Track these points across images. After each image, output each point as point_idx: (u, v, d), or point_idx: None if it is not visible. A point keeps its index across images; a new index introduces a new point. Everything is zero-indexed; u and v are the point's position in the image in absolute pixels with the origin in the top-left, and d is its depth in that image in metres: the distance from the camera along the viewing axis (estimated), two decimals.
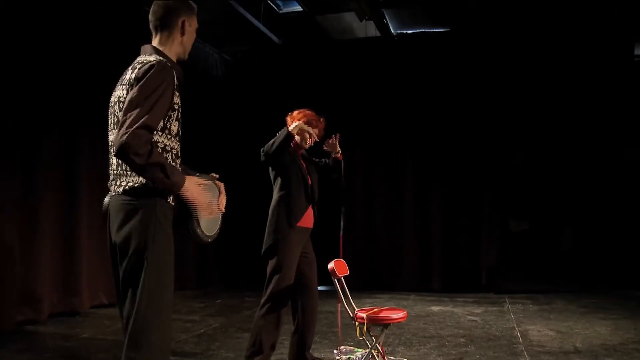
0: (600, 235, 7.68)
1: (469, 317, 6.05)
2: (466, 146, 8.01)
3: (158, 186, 2.17)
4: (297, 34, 8.26)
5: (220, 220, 2.54)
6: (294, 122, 3.84)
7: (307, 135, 3.88)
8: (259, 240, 3.87)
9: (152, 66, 2.19)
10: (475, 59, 8.00)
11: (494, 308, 6.53)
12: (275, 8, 7.58)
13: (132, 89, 2.17)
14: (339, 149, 4.05)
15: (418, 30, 8.08)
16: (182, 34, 2.42)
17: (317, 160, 4.14)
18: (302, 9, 7.31)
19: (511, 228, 8.25)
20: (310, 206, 3.87)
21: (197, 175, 2.43)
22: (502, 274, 7.86)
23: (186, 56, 2.50)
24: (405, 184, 8.27)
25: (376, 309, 3.75)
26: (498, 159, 7.97)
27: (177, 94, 2.29)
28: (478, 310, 6.39)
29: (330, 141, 4.05)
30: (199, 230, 2.32)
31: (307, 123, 3.85)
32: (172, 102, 2.24)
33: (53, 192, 5.83)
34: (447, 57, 8.11)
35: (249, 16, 7.19)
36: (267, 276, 3.73)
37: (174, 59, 2.42)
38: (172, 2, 2.41)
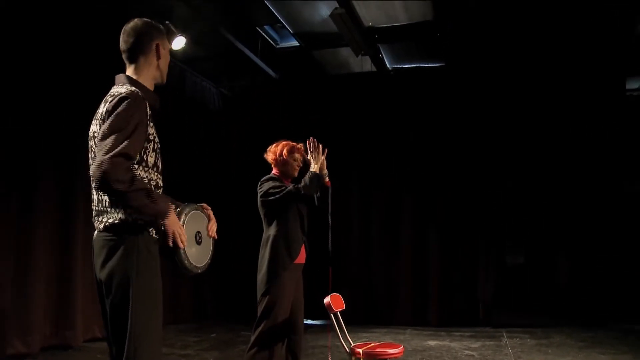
0: (598, 269, 7.65)
1: (467, 351, 5.99)
2: (462, 179, 8.04)
3: (144, 214, 2.14)
4: (294, 69, 8.38)
5: (212, 250, 2.50)
6: (276, 156, 3.84)
7: (296, 166, 3.88)
8: (254, 273, 3.79)
9: (122, 99, 2.14)
10: (469, 93, 8.10)
11: (492, 342, 6.47)
12: (273, 43, 7.70)
13: (104, 123, 2.12)
14: (326, 171, 3.87)
15: (413, 65, 8.20)
16: (158, 57, 2.37)
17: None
18: (298, 44, 7.43)
19: (507, 262, 8.22)
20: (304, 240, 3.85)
21: (185, 205, 2.41)
22: (500, 307, 7.81)
23: (164, 80, 2.44)
24: (402, 218, 8.27)
25: (372, 344, 3.72)
26: (494, 192, 8.00)
27: (151, 124, 2.24)
28: (475, 345, 6.34)
29: (310, 149, 3.82)
30: (186, 262, 2.28)
31: (291, 150, 3.85)
32: (147, 134, 2.20)
33: (48, 225, 5.82)
34: (442, 91, 8.21)
35: (246, 51, 7.30)
36: (259, 314, 3.64)
37: (150, 85, 2.37)
38: (142, 27, 2.35)
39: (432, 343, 6.50)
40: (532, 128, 7.95)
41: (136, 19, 2.38)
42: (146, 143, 2.20)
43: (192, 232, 2.34)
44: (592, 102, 7.76)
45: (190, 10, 6.23)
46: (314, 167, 3.74)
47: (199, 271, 2.38)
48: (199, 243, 2.38)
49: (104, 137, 2.06)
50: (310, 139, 3.82)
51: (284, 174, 3.90)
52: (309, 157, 3.82)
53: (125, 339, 2.14)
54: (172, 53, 6.70)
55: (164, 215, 2.17)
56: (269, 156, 3.92)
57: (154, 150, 2.26)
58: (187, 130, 8.26)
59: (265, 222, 3.80)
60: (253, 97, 8.98)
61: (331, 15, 6.19)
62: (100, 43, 6.30)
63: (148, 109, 2.21)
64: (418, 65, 8.19)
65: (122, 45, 2.35)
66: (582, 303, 7.65)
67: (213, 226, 2.46)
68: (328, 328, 3.71)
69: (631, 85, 8.09)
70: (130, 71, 2.34)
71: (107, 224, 2.19)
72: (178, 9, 6.22)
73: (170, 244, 2.21)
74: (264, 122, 8.57)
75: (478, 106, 8.07)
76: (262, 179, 3.85)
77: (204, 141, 8.70)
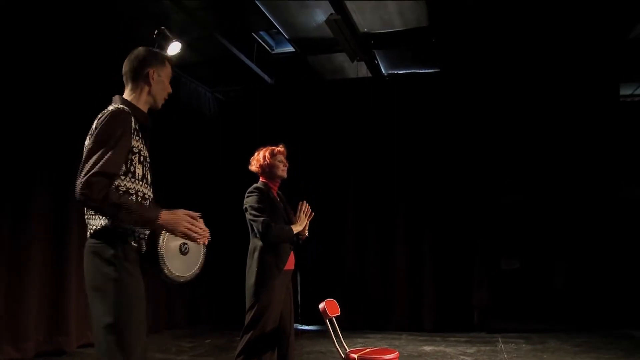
0: (594, 274, 7.67)
1: (462, 357, 5.99)
2: (457, 185, 8.05)
3: (131, 225, 2.25)
4: (290, 74, 8.40)
5: (202, 258, 2.53)
6: (260, 162, 3.86)
7: (282, 166, 3.89)
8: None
9: (107, 114, 2.29)
10: (465, 99, 8.12)
11: (487, 348, 6.47)
12: (268, 49, 7.72)
13: (91, 138, 2.27)
14: (306, 232, 3.90)
15: (408, 71, 8.22)
16: (150, 84, 2.50)
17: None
18: (294, 50, 7.44)
19: (502, 267, 8.24)
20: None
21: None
22: (495, 313, 7.81)
23: (158, 105, 2.58)
24: (397, 223, 8.27)
25: (368, 350, 3.72)
26: (489, 197, 8.01)
27: (137, 138, 2.36)
28: (470, 350, 6.33)
29: (300, 209, 3.87)
30: (166, 271, 2.34)
31: (273, 153, 3.87)
32: (130, 147, 2.31)
33: (42, 231, 5.80)
34: (437, 97, 8.23)
35: (242, 57, 7.31)
36: (247, 322, 3.62)
37: (144, 108, 2.50)
38: (142, 54, 2.53)
39: (427, 348, 6.49)
40: (527, 133, 7.98)
41: (140, 47, 2.57)
42: (131, 155, 2.31)
43: (177, 242, 2.39)
44: (587, 108, 7.80)
45: (186, 15, 6.24)
46: (295, 227, 3.77)
47: (182, 280, 2.44)
48: (184, 254, 2.43)
49: (88, 154, 2.21)
50: (303, 202, 3.88)
51: (272, 179, 3.91)
52: (295, 216, 3.86)
53: (104, 346, 2.21)
54: (168, 59, 6.77)
55: (152, 222, 2.25)
56: (253, 166, 3.93)
57: (140, 162, 2.37)
58: (182, 136, 8.25)
59: (252, 233, 3.80)
60: (248, 102, 8.99)
61: (327, 21, 6.21)
62: (98, 54, 6.32)
63: (134, 123, 2.34)
64: (413, 71, 8.22)
65: (123, 68, 2.53)
66: (578, 308, 7.66)
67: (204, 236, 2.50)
68: (299, 333, 3.66)
69: (625, 91, 8.13)
70: (125, 93, 2.51)
71: (92, 230, 2.31)
72: (174, 14, 6.23)
73: (200, 242, 2.35)
74: (259, 128, 8.57)
75: (473, 112, 8.09)
76: (249, 190, 3.84)
77: (199, 146, 8.70)
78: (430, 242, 8.08)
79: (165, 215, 2.27)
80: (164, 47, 6.46)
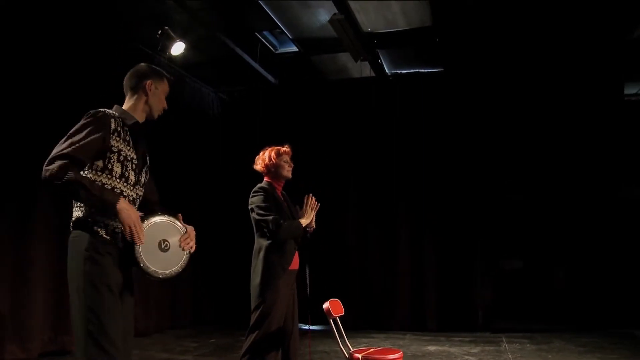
0: (597, 273, 7.66)
1: (466, 356, 5.98)
2: (459, 185, 8.05)
3: (88, 204, 2.35)
4: (293, 74, 8.40)
5: (184, 261, 2.56)
6: (265, 162, 3.86)
7: (287, 167, 3.89)
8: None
9: (86, 114, 2.45)
10: (468, 99, 8.11)
11: (491, 347, 6.46)
12: (272, 49, 7.72)
13: None
14: (314, 225, 3.88)
15: (412, 71, 8.22)
16: (147, 95, 2.65)
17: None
18: (297, 50, 7.44)
19: (505, 267, 8.22)
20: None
21: (159, 214, 2.53)
22: (499, 312, 7.80)
23: (154, 116, 2.72)
24: (399, 223, 8.27)
25: (372, 349, 3.71)
26: (491, 197, 8.00)
27: (119, 139, 2.48)
28: (475, 350, 6.33)
29: (306, 203, 3.85)
30: (142, 266, 2.40)
31: (278, 153, 3.88)
32: (106, 145, 2.42)
33: (47, 231, 5.81)
34: (440, 96, 8.23)
35: (245, 57, 7.31)
36: (253, 322, 3.62)
37: (140, 116, 2.65)
38: (143, 68, 2.70)
39: (431, 348, 6.49)
40: (530, 133, 7.97)
41: (143, 63, 2.74)
42: (109, 153, 2.44)
43: (157, 239, 2.47)
44: (591, 107, 7.78)
45: (189, 16, 6.25)
46: (303, 221, 3.77)
47: (162, 277, 2.49)
48: (164, 250, 2.49)
49: (61, 141, 2.36)
50: (309, 195, 3.86)
51: (277, 179, 3.91)
52: (301, 211, 3.84)
53: (76, 335, 2.34)
54: (171, 58, 6.78)
55: (110, 204, 2.32)
56: (258, 165, 3.93)
57: (120, 161, 2.48)
58: (186, 136, 8.26)
59: (257, 232, 3.79)
60: (252, 102, 8.99)
61: (330, 21, 6.21)
62: (101, 56, 6.32)
63: (115, 124, 2.47)
64: (417, 70, 8.21)
65: (124, 81, 2.70)
66: (582, 307, 7.65)
67: (189, 241, 2.58)
68: (308, 333, 3.67)
69: (629, 90, 8.11)
70: (125, 102, 2.67)
71: (71, 222, 2.46)
72: (177, 14, 6.24)
73: (128, 237, 2.34)
74: (263, 128, 8.58)
75: (476, 111, 8.08)
76: (254, 189, 3.83)
77: (202, 146, 8.71)
78: (433, 241, 8.08)
79: (124, 204, 2.34)
80: (167, 47, 6.47)
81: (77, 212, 2.44)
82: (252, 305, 3.66)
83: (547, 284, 7.97)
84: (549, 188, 7.95)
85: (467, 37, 7.12)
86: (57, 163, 2.26)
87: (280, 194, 3.91)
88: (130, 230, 2.33)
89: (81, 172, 2.34)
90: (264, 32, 7.41)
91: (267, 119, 8.77)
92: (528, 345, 6.55)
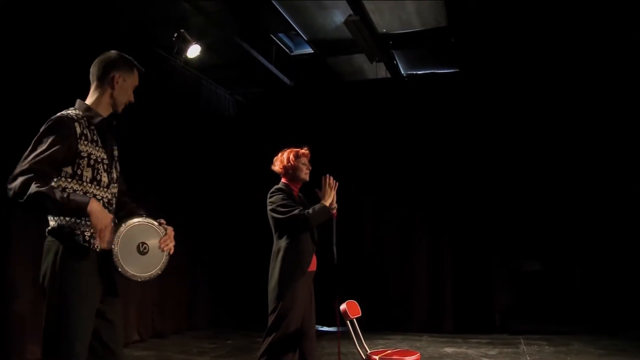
0: (617, 274, 7.54)
1: (484, 358, 5.94)
2: (476, 186, 8.00)
3: (60, 214, 2.33)
4: (309, 76, 8.40)
5: (163, 263, 2.55)
6: (283, 164, 3.87)
7: (305, 169, 3.90)
8: (267, 280, 3.79)
9: (46, 122, 2.38)
10: (484, 99, 8.06)
11: (509, 350, 6.41)
12: (287, 51, 7.74)
13: None
14: (335, 205, 3.88)
15: (428, 71, 8.18)
16: (114, 87, 2.54)
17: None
18: (313, 52, 7.45)
19: (523, 268, 8.13)
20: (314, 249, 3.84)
21: (138, 216, 2.53)
22: (517, 314, 7.73)
23: (118, 110, 2.60)
24: (416, 225, 8.25)
25: (389, 351, 3.71)
26: (509, 199, 7.93)
27: (86, 142, 2.42)
28: (492, 352, 6.28)
29: (324, 184, 3.84)
30: (120, 270, 2.41)
31: (297, 155, 3.88)
32: (73, 151, 2.36)
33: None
34: (456, 97, 8.19)
35: (261, 59, 7.33)
36: (270, 323, 3.63)
37: (104, 110, 2.55)
38: (112, 57, 2.58)
39: (449, 350, 6.45)
40: (548, 134, 7.87)
41: (113, 51, 2.63)
42: (78, 159, 2.38)
43: (135, 242, 2.46)
44: (611, 108, 7.66)
45: (206, 18, 6.28)
46: (325, 201, 3.76)
47: (140, 280, 2.49)
48: (142, 253, 2.47)
49: (24, 156, 2.30)
50: (326, 175, 3.85)
51: (294, 180, 3.91)
52: (321, 192, 3.83)
53: (45, 340, 2.36)
54: (187, 61, 6.82)
55: (80, 206, 2.27)
56: (276, 166, 3.94)
57: (90, 165, 2.42)
58: (202, 138, 8.32)
59: (276, 234, 3.80)
60: (268, 104, 9.02)
61: (345, 22, 6.21)
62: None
63: (80, 128, 2.40)
64: (432, 71, 8.18)
65: (91, 68, 2.60)
66: (602, 309, 7.53)
67: (167, 242, 2.55)
68: (338, 334, 3.69)
69: None
70: (89, 94, 2.57)
71: (47, 229, 2.42)
72: (193, 17, 6.27)
73: (97, 240, 2.33)
74: (278, 129, 8.60)
75: (492, 112, 8.03)
76: (272, 190, 3.85)
77: (218, 148, 8.76)
78: (450, 242, 8.05)
79: (95, 206, 2.29)
80: (183, 50, 6.52)
81: (50, 221, 2.41)
82: (270, 307, 3.67)
83: (566, 286, 7.87)
84: (569, 188, 7.84)
85: (483, 37, 7.08)
86: (19, 180, 2.20)
87: (297, 196, 3.91)
88: (100, 233, 2.29)
89: (49, 183, 2.27)
90: (279, 34, 7.43)
91: (283, 120, 8.79)
92: (546, 347, 6.49)
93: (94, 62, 2.57)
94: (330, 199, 3.79)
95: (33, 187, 2.18)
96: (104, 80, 2.53)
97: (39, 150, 2.28)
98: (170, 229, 2.59)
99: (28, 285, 5.39)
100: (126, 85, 2.58)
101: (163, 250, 2.53)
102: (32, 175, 2.22)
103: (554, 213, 7.87)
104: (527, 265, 8.40)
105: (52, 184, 2.30)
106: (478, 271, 7.91)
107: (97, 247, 2.40)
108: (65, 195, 2.24)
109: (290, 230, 3.72)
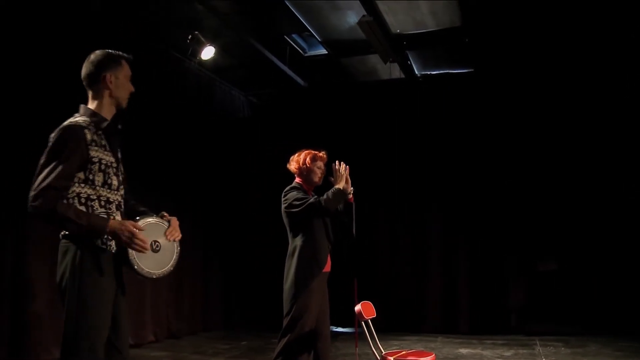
0: (634, 275, 7.45)
1: None
2: (491, 186, 7.97)
3: (77, 232, 2.35)
4: (322, 77, 8.41)
5: (175, 255, 2.61)
6: (299, 164, 3.89)
7: (320, 173, 3.91)
8: (282, 280, 3.79)
9: (58, 131, 2.40)
10: (499, 99, 8.01)
11: (525, 351, 6.37)
12: (301, 51, 7.75)
13: (44, 153, 2.39)
14: (351, 188, 3.89)
15: (442, 72, 8.15)
16: (109, 88, 2.55)
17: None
18: (326, 52, 7.46)
19: (539, 269, 8.08)
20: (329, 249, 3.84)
21: (144, 214, 2.58)
22: (532, 315, 7.68)
23: (123, 105, 2.62)
24: (430, 225, 8.23)
25: (404, 352, 3.70)
26: (525, 199, 7.88)
27: (96, 148, 2.44)
28: (508, 353, 6.24)
29: (336, 169, 3.83)
30: (137, 268, 2.45)
31: (314, 158, 3.89)
32: (86, 158, 2.39)
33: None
34: (471, 97, 8.15)
35: (275, 60, 7.35)
36: (286, 324, 3.63)
37: (108, 112, 2.56)
38: (97, 58, 2.55)
39: (464, 351, 6.42)
40: (565, 134, 7.80)
41: (97, 51, 2.59)
42: (89, 165, 2.41)
43: (149, 240, 2.50)
44: (628, 106, 7.58)
45: (219, 20, 6.31)
46: (338, 185, 3.75)
47: (155, 277, 2.56)
48: (155, 251, 2.53)
49: (40, 169, 2.33)
50: (337, 162, 3.84)
51: (308, 183, 3.93)
52: (332, 179, 3.83)
53: (63, 342, 2.37)
54: (201, 63, 6.85)
55: (99, 229, 2.35)
56: (292, 166, 3.96)
57: (101, 170, 2.46)
58: (216, 139, 8.35)
59: (291, 233, 3.81)
60: (282, 105, 9.04)
61: (359, 23, 6.21)
62: (131, 63, 6.34)
63: (90, 135, 2.42)
64: (446, 71, 8.14)
65: (81, 74, 2.58)
66: (619, 310, 7.46)
67: (173, 232, 2.60)
68: (356, 334, 3.68)
69: None
70: (89, 100, 2.58)
71: (62, 233, 2.43)
72: (207, 19, 6.31)
73: (132, 251, 2.39)
74: (293, 130, 8.61)
75: (507, 112, 7.98)
76: (286, 189, 3.87)
77: (232, 149, 8.79)
78: (465, 242, 8.03)
79: (113, 225, 2.36)
80: (198, 52, 6.56)
81: None
82: (285, 309, 3.67)
83: (582, 286, 7.80)
84: (586, 188, 7.77)
85: (497, 38, 7.04)
86: (42, 198, 2.26)
87: (310, 195, 3.92)
88: (133, 246, 2.37)
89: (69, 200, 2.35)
90: (293, 35, 7.44)
91: (297, 121, 8.80)
92: (562, 348, 6.44)
93: (82, 69, 2.57)
94: (342, 181, 3.77)
95: (58, 208, 2.26)
96: (98, 84, 2.54)
97: (55, 164, 2.32)
98: (174, 219, 2.63)
99: (45, 286, 5.44)
100: (120, 80, 2.58)
101: (173, 241, 2.59)
102: (53, 192, 2.27)
103: (570, 213, 7.80)
104: (543, 266, 8.33)
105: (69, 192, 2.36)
106: (493, 271, 7.87)
107: (113, 248, 2.45)
108: (85, 218, 2.32)
109: (308, 224, 3.72)
